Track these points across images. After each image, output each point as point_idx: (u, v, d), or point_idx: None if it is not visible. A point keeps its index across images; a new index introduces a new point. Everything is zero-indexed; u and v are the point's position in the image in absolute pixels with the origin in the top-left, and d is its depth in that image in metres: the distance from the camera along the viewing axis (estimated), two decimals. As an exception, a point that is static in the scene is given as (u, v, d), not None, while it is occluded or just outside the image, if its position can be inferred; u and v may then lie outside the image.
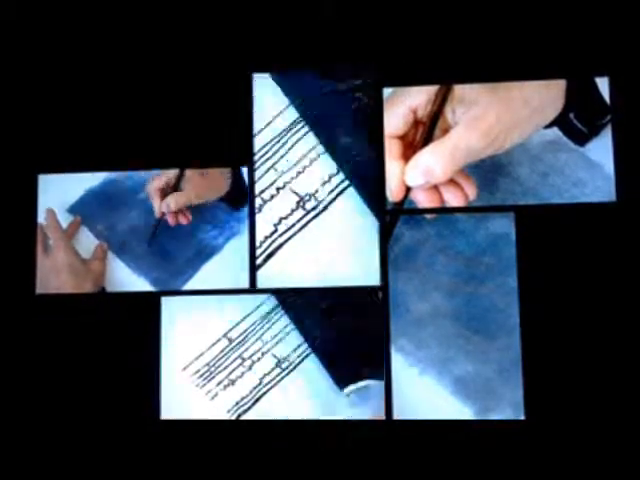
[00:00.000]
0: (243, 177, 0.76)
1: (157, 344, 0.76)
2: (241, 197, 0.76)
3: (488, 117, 0.68)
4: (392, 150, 0.72)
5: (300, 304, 0.74)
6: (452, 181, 0.71)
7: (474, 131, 0.68)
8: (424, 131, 0.71)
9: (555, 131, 0.71)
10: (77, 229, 0.79)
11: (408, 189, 0.72)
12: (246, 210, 0.76)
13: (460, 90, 0.70)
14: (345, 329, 0.73)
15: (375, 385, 0.72)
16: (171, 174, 0.77)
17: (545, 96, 0.70)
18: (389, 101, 0.74)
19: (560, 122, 0.71)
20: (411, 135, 0.73)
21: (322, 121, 0.75)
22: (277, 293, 0.75)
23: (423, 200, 0.72)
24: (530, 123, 0.70)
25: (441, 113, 0.70)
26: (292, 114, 0.76)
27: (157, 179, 0.77)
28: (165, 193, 0.77)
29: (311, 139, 0.76)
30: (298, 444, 0.73)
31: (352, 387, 0.72)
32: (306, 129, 0.76)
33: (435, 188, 0.71)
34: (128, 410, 0.75)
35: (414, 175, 0.70)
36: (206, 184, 0.77)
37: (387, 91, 0.74)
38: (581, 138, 0.71)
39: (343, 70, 0.75)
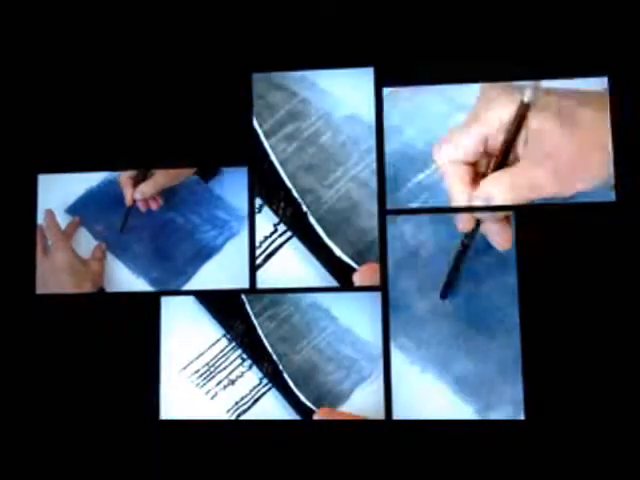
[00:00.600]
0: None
1: (157, 344, 0.76)
2: (211, 170, 0.77)
3: (558, 155, 0.66)
4: (460, 176, 0.70)
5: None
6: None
7: (540, 168, 0.66)
8: (496, 161, 0.69)
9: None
10: (76, 229, 0.78)
11: (478, 220, 0.71)
12: (246, 209, 0.76)
13: (534, 124, 0.67)
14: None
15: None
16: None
17: None
18: (461, 127, 0.71)
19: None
20: (482, 165, 0.70)
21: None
22: (277, 293, 0.75)
23: (495, 234, 0.70)
24: (602, 169, 0.68)
25: (513, 144, 0.68)
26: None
27: None
28: (136, 180, 0.78)
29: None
30: (296, 444, 0.73)
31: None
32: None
33: (507, 220, 0.70)
34: (128, 410, 0.75)
35: (476, 203, 0.69)
36: None
37: (387, 90, 0.74)
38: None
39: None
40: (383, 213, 0.74)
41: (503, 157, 0.68)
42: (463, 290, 0.72)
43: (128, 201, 0.78)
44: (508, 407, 0.70)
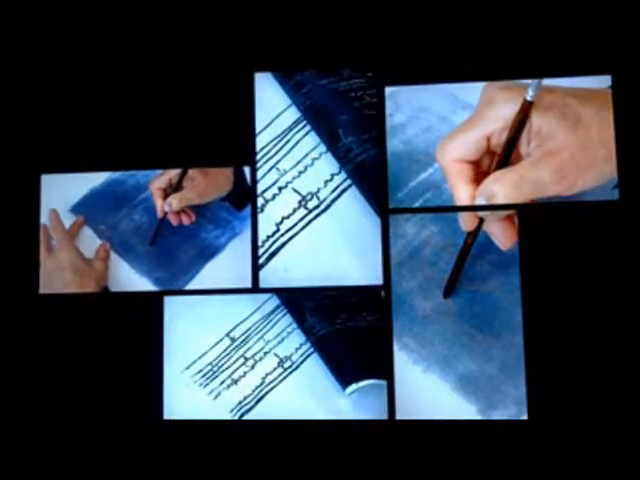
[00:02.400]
0: (245, 176, 0.76)
1: (160, 344, 0.76)
2: (244, 197, 0.76)
3: (562, 154, 0.66)
4: (463, 175, 0.69)
5: (302, 302, 0.74)
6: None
7: (544, 166, 0.66)
8: (498, 159, 0.69)
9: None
10: (80, 229, 0.79)
11: (481, 219, 0.70)
12: (248, 210, 0.76)
13: (537, 122, 0.67)
14: (348, 327, 0.73)
15: (378, 384, 0.72)
16: (173, 173, 0.77)
17: None
18: (464, 125, 0.70)
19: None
20: (485, 164, 0.70)
21: (324, 120, 0.76)
22: (279, 292, 0.75)
23: (498, 232, 0.70)
24: (606, 167, 0.68)
25: (516, 143, 0.68)
26: (294, 113, 0.76)
27: (159, 178, 0.77)
28: (167, 193, 0.77)
29: (313, 138, 0.76)
30: (299, 444, 0.73)
31: (355, 386, 0.72)
32: (308, 128, 0.76)
33: (511, 220, 0.70)
34: (130, 410, 0.75)
35: (479, 202, 0.69)
36: (208, 183, 0.77)
37: (389, 90, 0.74)
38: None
39: (345, 69, 0.76)
40: (386, 212, 0.74)
41: (505, 155, 0.68)
42: (466, 289, 0.72)
43: (159, 213, 0.77)
44: (511, 407, 0.70)
